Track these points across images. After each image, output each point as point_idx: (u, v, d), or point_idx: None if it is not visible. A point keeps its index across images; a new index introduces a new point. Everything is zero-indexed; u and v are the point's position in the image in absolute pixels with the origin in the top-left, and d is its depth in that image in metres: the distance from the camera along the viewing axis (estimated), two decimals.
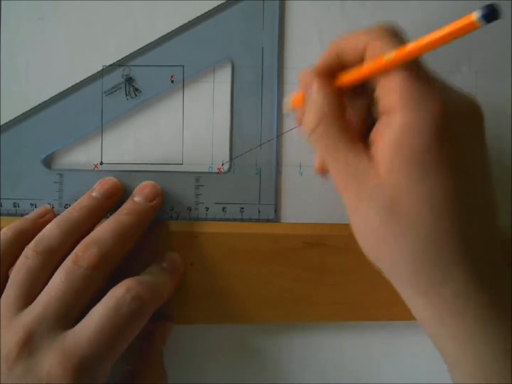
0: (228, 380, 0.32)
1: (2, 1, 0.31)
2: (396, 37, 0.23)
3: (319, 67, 0.25)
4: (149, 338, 0.29)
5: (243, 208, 0.31)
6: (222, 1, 0.30)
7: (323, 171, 0.27)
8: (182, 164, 0.31)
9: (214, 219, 0.31)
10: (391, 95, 0.22)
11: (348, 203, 0.24)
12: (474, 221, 0.23)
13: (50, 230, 0.28)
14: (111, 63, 0.31)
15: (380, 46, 0.23)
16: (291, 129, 0.30)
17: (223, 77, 0.31)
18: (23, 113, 0.31)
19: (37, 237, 0.27)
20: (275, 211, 0.31)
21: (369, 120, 0.26)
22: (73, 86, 0.31)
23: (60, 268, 0.26)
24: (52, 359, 0.24)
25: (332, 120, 0.24)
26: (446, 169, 0.22)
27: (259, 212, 0.31)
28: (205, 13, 0.31)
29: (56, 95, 0.31)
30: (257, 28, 0.31)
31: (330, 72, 0.25)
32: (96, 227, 0.28)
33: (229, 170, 0.31)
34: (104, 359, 0.25)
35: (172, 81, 0.31)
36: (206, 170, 0.31)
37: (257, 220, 0.31)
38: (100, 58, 0.31)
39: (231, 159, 0.31)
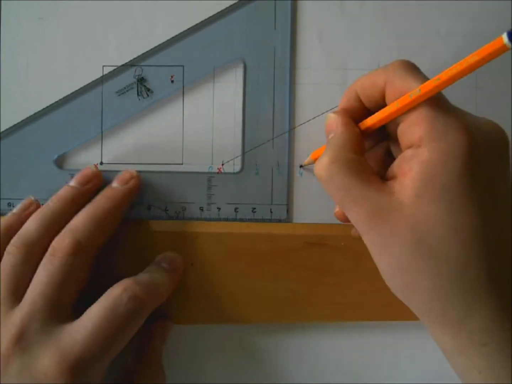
0: (228, 380, 0.32)
1: (2, 1, 0.31)
2: (414, 71, 0.23)
3: (343, 110, 0.26)
4: (149, 338, 0.30)
5: (255, 208, 0.31)
6: (234, 1, 0.30)
7: (344, 217, 0.26)
8: (182, 164, 0.31)
9: (226, 220, 0.31)
10: (417, 129, 0.22)
11: (373, 243, 0.24)
12: (501, 255, 0.23)
13: (29, 225, 0.28)
14: (111, 63, 0.31)
15: (400, 83, 0.23)
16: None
17: (225, 78, 0.31)
18: (36, 112, 0.31)
19: (18, 233, 0.27)
20: (287, 211, 0.31)
21: (382, 159, 0.26)
22: (85, 86, 0.31)
23: (41, 262, 0.26)
24: (48, 358, 0.24)
25: (349, 160, 0.24)
26: (475, 199, 0.22)
27: (271, 212, 0.31)
28: (217, 13, 0.31)
29: (69, 94, 0.31)
30: (269, 28, 0.31)
31: (352, 115, 0.25)
32: (74, 217, 0.28)
33: (241, 170, 0.31)
34: (101, 359, 0.25)
35: (172, 81, 0.31)
36: (206, 170, 0.31)
37: (269, 221, 0.31)
38: (100, 58, 0.31)
39: (243, 159, 0.31)
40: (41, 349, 0.24)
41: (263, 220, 0.31)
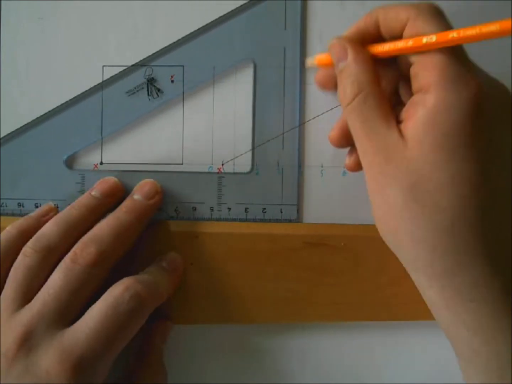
0: (228, 380, 0.32)
1: (2, 1, 0.31)
2: (439, 17, 0.23)
3: (353, 34, 0.25)
4: (149, 337, 0.30)
5: (265, 208, 0.31)
6: (244, 1, 0.30)
7: (338, 142, 0.27)
8: (182, 164, 0.31)
9: (237, 220, 0.31)
10: (428, 73, 0.22)
11: (373, 179, 0.24)
12: (495, 210, 0.23)
13: (48, 229, 0.28)
14: (111, 63, 0.31)
15: (421, 24, 0.23)
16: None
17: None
18: (46, 113, 0.31)
19: (35, 236, 0.27)
20: (297, 211, 0.31)
21: (396, 96, 0.26)
22: (95, 85, 0.31)
23: (58, 266, 0.26)
24: (51, 357, 0.24)
25: (370, 91, 0.24)
26: (476, 151, 0.22)
27: (281, 212, 0.31)
28: (228, 13, 0.30)
29: (80, 94, 0.31)
30: (279, 28, 0.31)
31: (363, 41, 0.25)
32: (96, 226, 0.28)
33: (251, 170, 0.31)
34: (103, 357, 0.25)
35: (172, 81, 0.31)
36: (206, 170, 0.31)
37: (279, 221, 0.31)
38: (100, 58, 0.31)
39: (253, 159, 0.31)
40: (44, 349, 0.24)
41: (273, 220, 0.31)
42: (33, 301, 0.26)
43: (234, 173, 0.31)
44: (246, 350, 0.32)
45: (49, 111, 0.31)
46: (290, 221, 0.31)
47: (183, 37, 0.31)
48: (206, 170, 0.31)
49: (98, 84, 0.31)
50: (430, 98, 0.22)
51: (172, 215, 0.31)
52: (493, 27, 0.21)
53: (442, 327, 0.24)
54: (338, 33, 0.25)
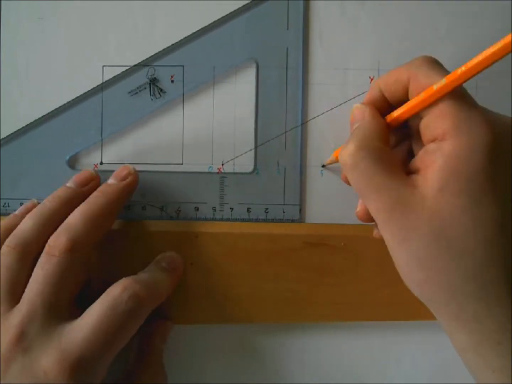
0: (228, 380, 0.32)
1: (2, 1, 0.31)
2: (437, 66, 0.24)
3: (369, 101, 0.26)
4: (149, 337, 0.30)
5: (267, 208, 0.31)
6: (246, 1, 0.30)
7: (366, 216, 0.26)
8: (182, 164, 0.31)
9: (239, 220, 0.31)
10: (441, 122, 0.22)
11: (391, 235, 0.23)
12: None
13: (24, 224, 0.27)
14: (111, 63, 0.31)
15: (423, 79, 0.23)
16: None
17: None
18: (50, 112, 0.31)
19: (12, 233, 0.27)
20: (300, 211, 0.31)
21: (403, 158, 0.26)
22: (98, 85, 0.31)
23: (38, 262, 0.26)
24: (48, 357, 0.24)
25: (377, 146, 0.24)
26: (497, 193, 0.22)
27: (283, 212, 0.31)
28: (230, 13, 0.30)
29: (83, 94, 0.31)
30: (282, 28, 0.31)
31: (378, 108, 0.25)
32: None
33: (253, 171, 0.31)
34: (101, 358, 0.25)
35: (173, 81, 0.31)
36: (206, 171, 0.31)
37: (282, 221, 0.31)
38: (100, 58, 0.31)
39: (255, 159, 0.31)
40: (42, 349, 0.24)
41: (276, 221, 0.31)
42: (21, 301, 0.26)
43: (237, 173, 0.31)
44: (246, 350, 0.32)
45: (52, 111, 0.31)
46: (292, 221, 0.31)
47: (185, 37, 0.31)
48: (206, 170, 0.31)
49: (100, 84, 0.31)
50: (447, 145, 0.22)
51: (172, 215, 0.31)
52: (495, 46, 0.21)
53: (468, 368, 0.24)
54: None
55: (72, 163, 0.31)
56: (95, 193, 0.28)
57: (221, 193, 0.31)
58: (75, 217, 0.27)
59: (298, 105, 0.31)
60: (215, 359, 0.32)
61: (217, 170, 0.31)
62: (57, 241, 0.26)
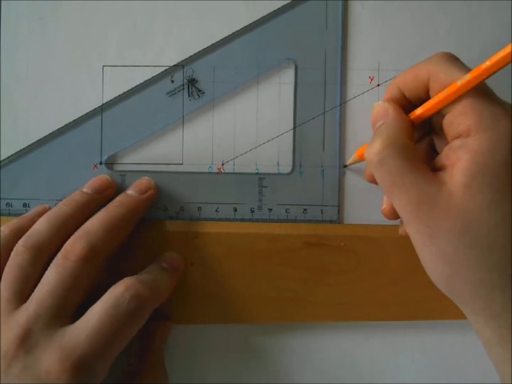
0: (228, 380, 0.32)
1: (2, 1, 0.31)
2: (457, 62, 0.24)
3: (389, 100, 0.26)
4: (150, 337, 0.30)
5: (306, 209, 0.31)
6: (286, 2, 0.30)
7: (392, 214, 0.26)
8: (182, 164, 0.31)
9: (277, 221, 0.31)
10: (465, 118, 0.23)
11: (417, 232, 0.23)
12: None
13: (39, 225, 0.28)
14: (111, 63, 0.31)
15: (444, 76, 0.23)
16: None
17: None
18: (88, 112, 0.31)
19: (27, 233, 0.27)
20: (338, 211, 0.31)
21: (426, 154, 0.26)
22: (136, 86, 0.31)
23: (51, 263, 0.26)
24: (50, 357, 0.24)
25: (403, 144, 0.24)
26: None
27: (322, 213, 0.31)
28: (269, 13, 0.30)
29: (121, 94, 0.31)
30: (320, 29, 0.31)
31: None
32: (87, 221, 0.28)
33: (292, 171, 0.31)
34: (103, 357, 0.25)
35: (172, 81, 0.31)
36: (206, 171, 0.31)
37: (320, 221, 0.31)
38: (100, 58, 0.31)
39: (294, 160, 0.31)
40: (44, 349, 0.24)
41: (313, 221, 0.31)
42: (29, 301, 0.26)
43: (275, 174, 0.31)
44: (246, 350, 0.32)
45: (85, 113, 0.31)
46: (330, 222, 0.31)
47: (222, 39, 0.31)
48: (249, 171, 0.31)
49: (135, 86, 0.31)
50: (473, 141, 0.22)
51: (212, 216, 0.31)
52: None
53: (492, 360, 0.24)
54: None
55: (111, 162, 0.31)
56: (115, 203, 0.29)
57: (260, 194, 0.31)
58: (94, 225, 0.27)
59: (337, 106, 0.31)
60: (216, 359, 0.32)
61: (255, 171, 0.31)
62: (75, 245, 0.26)
